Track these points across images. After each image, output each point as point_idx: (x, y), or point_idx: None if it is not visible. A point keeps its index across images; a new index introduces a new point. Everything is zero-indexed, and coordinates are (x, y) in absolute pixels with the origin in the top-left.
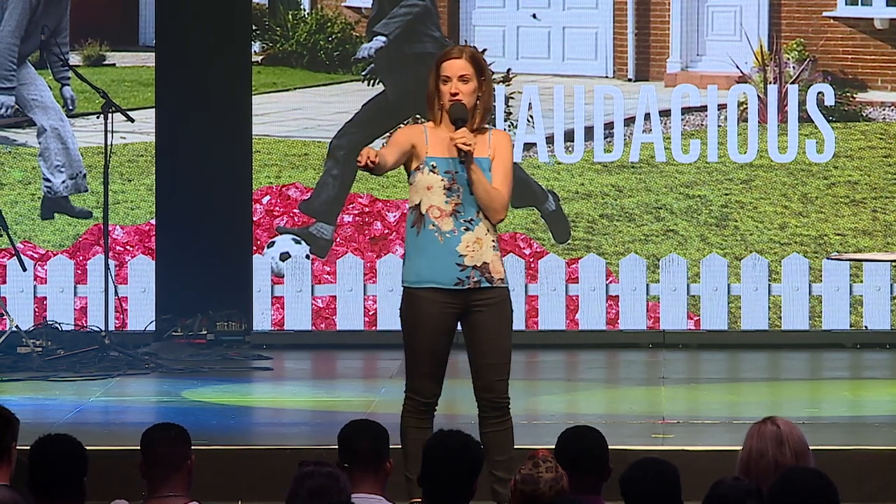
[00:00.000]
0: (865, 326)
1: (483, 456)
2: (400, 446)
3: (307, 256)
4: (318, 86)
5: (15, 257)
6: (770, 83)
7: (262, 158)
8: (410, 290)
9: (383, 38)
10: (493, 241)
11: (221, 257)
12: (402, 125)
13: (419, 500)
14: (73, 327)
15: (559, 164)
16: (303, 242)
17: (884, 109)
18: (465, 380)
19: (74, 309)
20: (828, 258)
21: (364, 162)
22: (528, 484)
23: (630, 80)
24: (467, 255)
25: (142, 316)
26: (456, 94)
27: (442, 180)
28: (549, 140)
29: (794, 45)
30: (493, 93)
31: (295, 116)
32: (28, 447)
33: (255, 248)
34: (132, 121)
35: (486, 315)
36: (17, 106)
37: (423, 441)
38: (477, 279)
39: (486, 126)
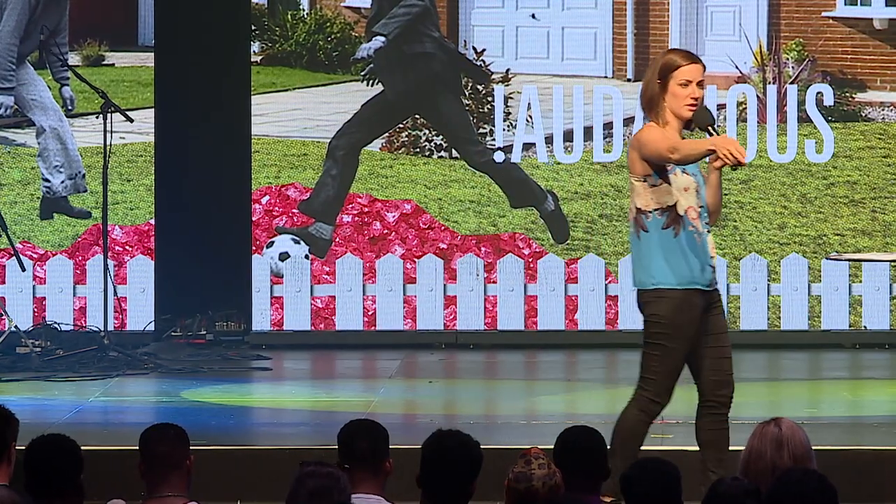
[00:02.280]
0: (865, 326)
1: (481, 456)
2: (611, 447)
3: (306, 256)
4: (318, 86)
5: (14, 257)
6: (769, 83)
7: (261, 158)
8: (676, 291)
9: (382, 39)
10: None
11: (221, 257)
12: (401, 125)
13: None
14: (72, 327)
15: (558, 164)
16: (302, 242)
17: (883, 109)
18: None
19: (73, 309)
20: (827, 258)
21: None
22: (522, 482)
23: (629, 80)
24: (714, 257)
25: (141, 316)
26: (697, 98)
27: (694, 182)
28: (549, 140)
29: (794, 46)
30: None
31: (294, 116)
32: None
33: (254, 248)
34: (131, 121)
35: (719, 316)
36: (16, 106)
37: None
38: (716, 283)
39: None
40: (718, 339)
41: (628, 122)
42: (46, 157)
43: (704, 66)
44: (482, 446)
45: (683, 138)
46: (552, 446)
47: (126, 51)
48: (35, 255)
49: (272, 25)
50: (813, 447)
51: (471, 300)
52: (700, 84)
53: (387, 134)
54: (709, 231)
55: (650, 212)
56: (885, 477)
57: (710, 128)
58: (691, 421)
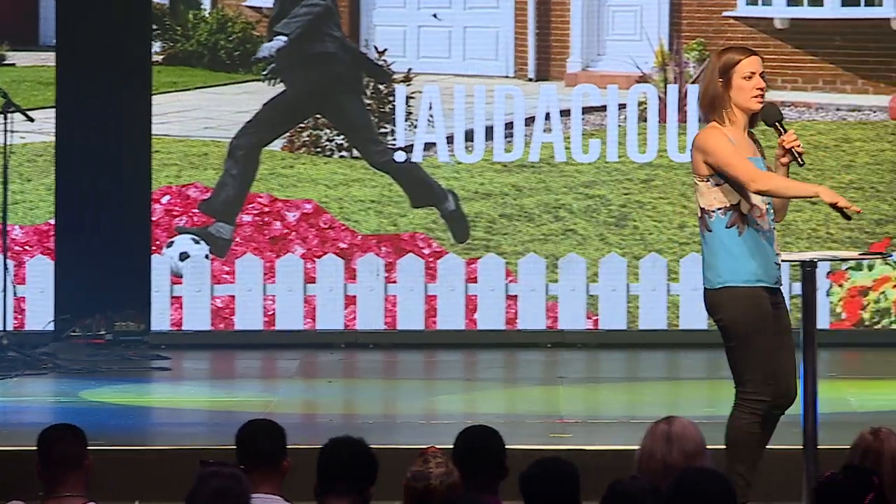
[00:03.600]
0: None
1: (376, 462)
2: (726, 454)
3: (206, 256)
4: (219, 85)
5: None
6: (670, 83)
7: (161, 158)
8: (743, 289)
9: (284, 38)
10: None
11: (120, 257)
12: (302, 125)
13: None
14: None
15: (459, 163)
16: (202, 242)
17: (783, 109)
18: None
19: None
20: None
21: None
22: (420, 481)
23: (530, 79)
24: (780, 255)
25: (40, 316)
26: (762, 89)
27: None
28: (450, 140)
29: (695, 45)
30: None
31: (195, 116)
32: None
33: (154, 247)
34: (32, 120)
35: (785, 314)
36: None
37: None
38: (781, 278)
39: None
40: (782, 340)
41: (529, 121)
42: None
43: (762, 59)
44: (381, 446)
45: (753, 137)
46: (451, 446)
47: (27, 50)
48: None
49: (173, 25)
50: (711, 446)
51: (371, 300)
52: (762, 76)
53: (288, 134)
54: (774, 228)
55: (713, 211)
56: (784, 476)
57: (777, 124)
58: (590, 420)
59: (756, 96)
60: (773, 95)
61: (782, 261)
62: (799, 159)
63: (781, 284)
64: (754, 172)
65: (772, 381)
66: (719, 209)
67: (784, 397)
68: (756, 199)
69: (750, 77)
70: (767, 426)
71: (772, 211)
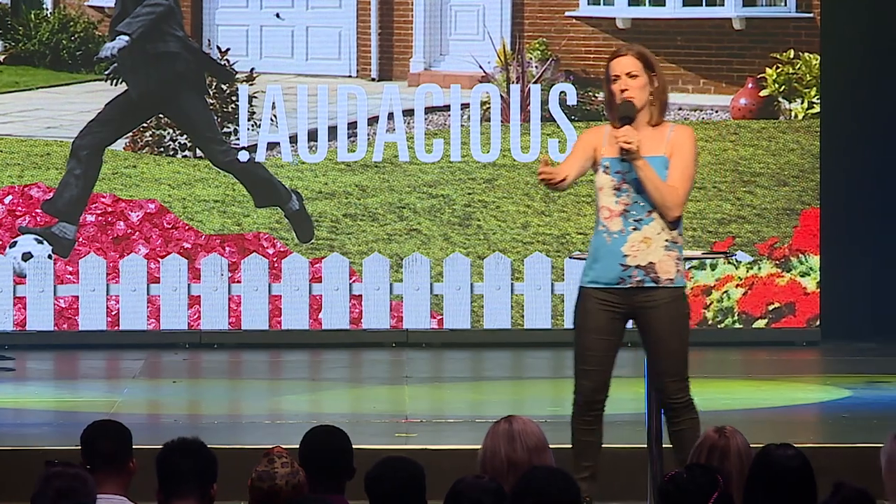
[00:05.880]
0: None
1: (215, 461)
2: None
3: (49, 256)
4: (61, 85)
5: None
6: (513, 83)
7: (3, 158)
8: (580, 288)
9: (126, 38)
10: (666, 240)
11: None
12: (145, 124)
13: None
14: None
15: (303, 163)
16: (45, 242)
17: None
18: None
19: None
20: (570, 257)
21: (547, 177)
22: (265, 480)
23: (373, 79)
24: (630, 255)
25: None
26: (625, 91)
27: (612, 180)
28: (293, 139)
29: (537, 45)
30: (667, 88)
31: (37, 116)
32: None
33: None
34: None
35: (652, 315)
36: None
37: (591, 442)
38: (640, 278)
39: (667, 122)
40: (646, 344)
41: (373, 121)
42: None
43: (642, 56)
44: (226, 446)
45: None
46: (297, 446)
47: None
48: None
49: (15, 24)
50: (554, 445)
51: (215, 300)
52: (630, 75)
53: (130, 133)
54: (638, 228)
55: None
56: (627, 474)
57: (623, 119)
58: (435, 420)
59: (619, 98)
60: None
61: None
62: (622, 154)
63: (636, 284)
64: (560, 168)
65: (584, 379)
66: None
67: (591, 393)
68: (604, 201)
69: (615, 80)
70: (591, 421)
71: (638, 210)
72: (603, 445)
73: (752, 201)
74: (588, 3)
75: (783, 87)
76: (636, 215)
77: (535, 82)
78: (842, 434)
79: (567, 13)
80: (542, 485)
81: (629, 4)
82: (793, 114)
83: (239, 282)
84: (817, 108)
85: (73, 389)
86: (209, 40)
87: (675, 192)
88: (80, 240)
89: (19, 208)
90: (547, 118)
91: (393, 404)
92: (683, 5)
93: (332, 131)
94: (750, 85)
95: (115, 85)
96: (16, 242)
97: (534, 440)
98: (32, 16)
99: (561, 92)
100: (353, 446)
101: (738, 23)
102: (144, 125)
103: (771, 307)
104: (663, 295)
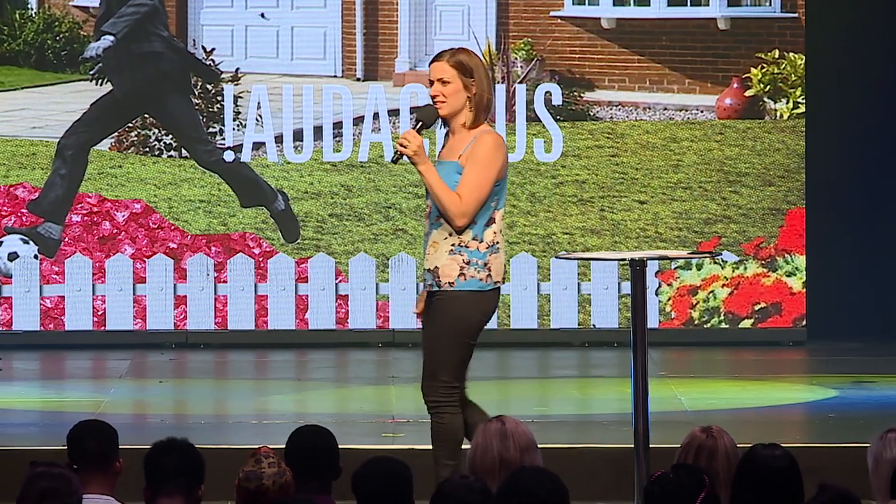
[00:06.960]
0: (593, 325)
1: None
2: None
3: (35, 256)
4: (46, 85)
5: None
6: (498, 83)
7: None
8: None
9: (111, 38)
10: (452, 245)
11: None
12: (130, 124)
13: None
14: None
15: (288, 163)
16: (31, 242)
17: (611, 109)
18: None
19: None
20: (556, 257)
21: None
22: (252, 480)
23: (359, 79)
24: (426, 259)
25: None
26: (436, 96)
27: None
28: (279, 140)
29: (522, 45)
30: (487, 93)
31: (22, 116)
32: None
33: None
34: None
35: (426, 318)
36: None
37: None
38: (430, 282)
39: (483, 129)
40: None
41: (358, 121)
42: None
43: (457, 61)
44: (213, 446)
45: (468, 140)
46: (283, 446)
47: None
48: None
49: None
50: (542, 445)
51: (201, 300)
52: (441, 81)
53: (116, 133)
54: (436, 228)
55: None
56: (613, 475)
57: (416, 122)
58: (421, 420)
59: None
60: (600, 95)
61: (618, 259)
62: (397, 157)
63: (429, 288)
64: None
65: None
66: None
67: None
68: (426, 204)
69: (431, 84)
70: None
71: (436, 215)
72: (590, 445)
73: (737, 201)
74: (573, 3)
75: (768, 87)
76: (433, 219)
77: (520, 82)
78: (828, 434)
79: (552, 13)
80: (530, 485)
81: (614, 4)
82: (778, 114)
83: (225, 282)
84: (802, 108)
85: (59, 389)
86: (194, 40)
87: (454, 202)
88: (66, 240)
89: (5, 208)
90: (532, 118)
91: (379, 404)
92: (668, 5)
93: (318, 131)
94: (735, 85)
95: (101, 85)
96: (1, 242)
97: (525, 440)
98: (17, 16)
99: (546, 92)
100: (340, 446)
101: (723, 23)
102: (130, 125)
103: (757, 307)
104: (441, 297)
